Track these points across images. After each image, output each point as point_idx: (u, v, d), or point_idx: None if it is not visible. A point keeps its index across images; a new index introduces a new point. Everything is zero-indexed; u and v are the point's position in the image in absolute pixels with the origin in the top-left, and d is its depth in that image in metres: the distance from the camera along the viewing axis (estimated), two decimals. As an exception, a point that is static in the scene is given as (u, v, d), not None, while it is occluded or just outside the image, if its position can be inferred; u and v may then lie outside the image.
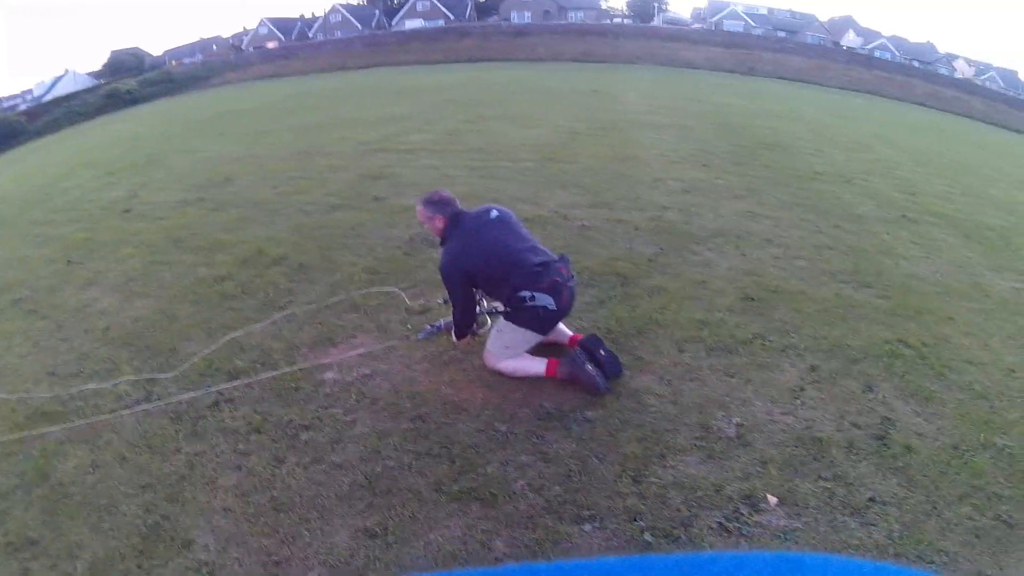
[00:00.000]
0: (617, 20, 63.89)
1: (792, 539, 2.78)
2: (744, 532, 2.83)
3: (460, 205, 4.08)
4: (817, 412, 3.65)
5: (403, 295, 5.32)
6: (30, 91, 57.93)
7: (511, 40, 48.13)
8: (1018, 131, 37.01)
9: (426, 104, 18.96)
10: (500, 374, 4.02)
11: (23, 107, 45.15)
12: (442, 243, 4.06)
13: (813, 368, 4.10)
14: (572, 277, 3.89)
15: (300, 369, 4.38)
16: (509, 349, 3.95)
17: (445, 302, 4.69)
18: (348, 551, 2.89)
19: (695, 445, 3.38)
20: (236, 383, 4.29)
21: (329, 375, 4.29)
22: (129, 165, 13.89)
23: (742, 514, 2.92)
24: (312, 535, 3.01)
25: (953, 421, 3.60)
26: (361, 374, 4.25)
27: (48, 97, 48.07)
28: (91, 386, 4.55)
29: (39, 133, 36.91)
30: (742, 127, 14.64)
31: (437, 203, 4.01)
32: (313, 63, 46.51)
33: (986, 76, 64.21)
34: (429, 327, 4.63)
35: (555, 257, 3.88)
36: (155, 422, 4.00)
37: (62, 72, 56.01)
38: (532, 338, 3.95)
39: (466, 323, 4.15)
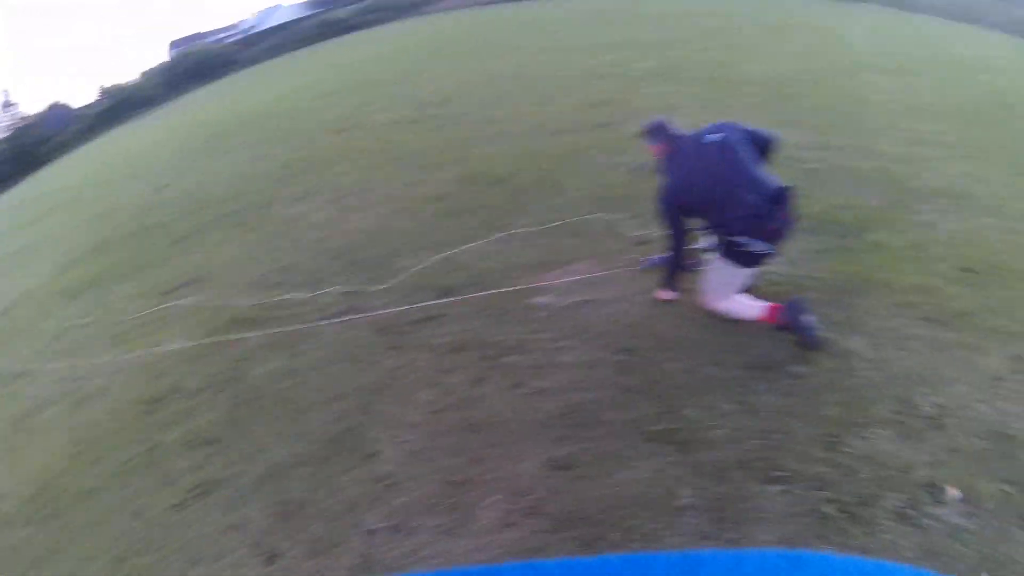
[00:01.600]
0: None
1: (963, 541, 2.59)
2: (920, 523, 2.67)
3: (677, 127, 3.91)
4: (1013, 406, 3.35)
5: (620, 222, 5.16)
6: (235, 26, 60.84)
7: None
8: None
9: (652, 29, 18.19)
10: (717, 314, 3.94)
11: (235, 38, 47.63)
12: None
13: (1019, 357, 3.73)
14: (792, 218, 3.66)
15: (515, 291, 4.45)
16: (727, 287, 3.80)
17: None
18: (531, 481, 2.96)
19: (893, 420, 3.21)
20: (446, 300, 4.45)
21: (542, 300, 4.32)
22: (345, 87, 14.57)
23: (923, 502, 2.76)
24: (498, 460, 3.10)
25: None
26: (575, 301, 4.25)
27: (260, 29, 50.48)
28: (295, 295, 4.88)
29: (253, 61, 39.65)
30: (971, 81, 13.31)
31: (650, 133, 3.87)
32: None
33: None
34: (657, 257, 4.46)
35: (779, 187, 3.56)
36: (358, 334, 4.22)
37: (273, 4, 58.06)
38: (749, 273, 3.82)
39: (677, 260, 3.90)
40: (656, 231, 4.83)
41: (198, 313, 5.09)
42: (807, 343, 3.65)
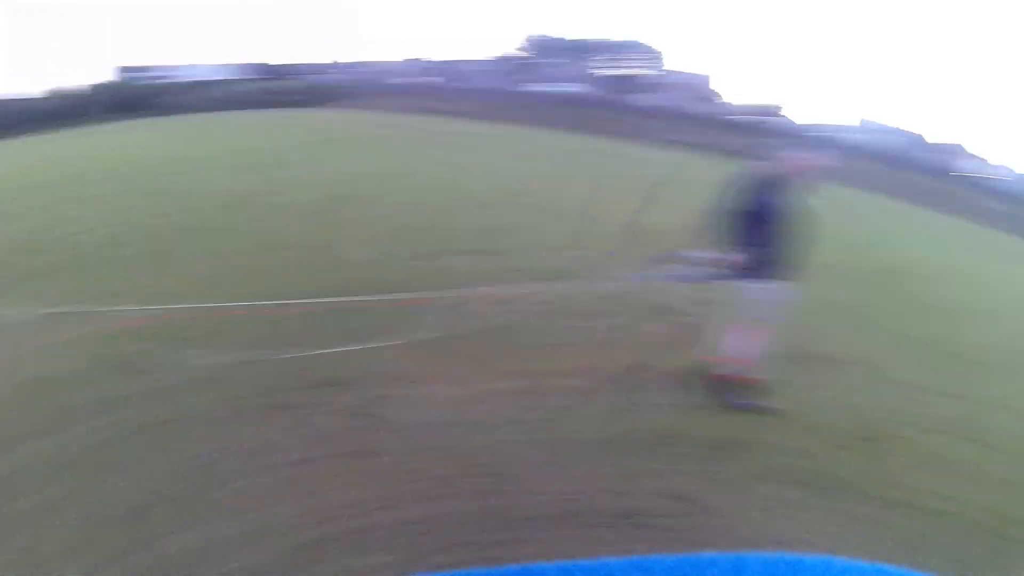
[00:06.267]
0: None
1: None
2: None
3: None
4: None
5: None
6: (181, 68, 59.50)
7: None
8: None
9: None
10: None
11: (168, 81, 46.95)
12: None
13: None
14: None
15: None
16: None
17: None
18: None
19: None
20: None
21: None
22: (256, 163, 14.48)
23: None
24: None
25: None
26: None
27: (187, 80, 49.95)
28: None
29: (175, 109, 37.62)
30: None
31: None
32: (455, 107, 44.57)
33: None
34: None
35: None
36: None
37: (208, 60, 57.12)
38: None
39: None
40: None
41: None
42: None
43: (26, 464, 3.71)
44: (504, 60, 61.06)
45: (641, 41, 75.45)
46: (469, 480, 3.68)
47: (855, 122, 66.15)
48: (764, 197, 4.41)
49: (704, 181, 5.04)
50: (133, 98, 39.37)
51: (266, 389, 4.68)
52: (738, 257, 4.48)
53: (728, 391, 4.73)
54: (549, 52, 66.16)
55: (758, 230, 4.39)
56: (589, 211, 11.00)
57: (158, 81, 46.13)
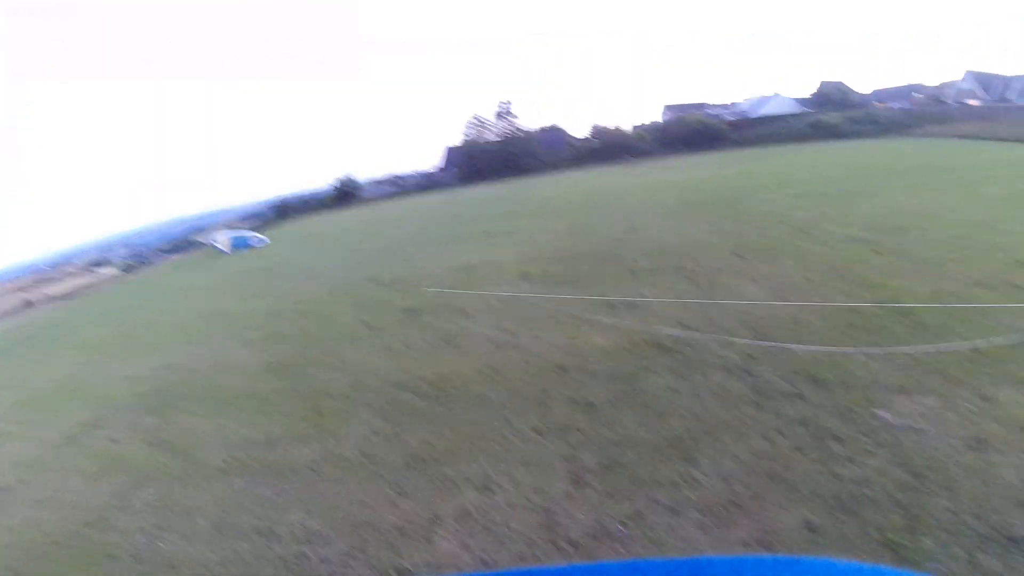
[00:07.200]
0: None
1: None
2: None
3: None
4: None
5: None
6: (737, 104, 63.18)
7: None
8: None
9: None
10: None
11: (728, 118, 50.03)
12: None
13: None
14: None
15: None
16: None
17: None
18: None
19: None
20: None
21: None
22: (817, 192, 15.47)
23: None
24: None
25: None
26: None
27: (752, 115, 52.67)
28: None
29: (740, 142, 42.19)
30: None
31: None
32: (1015, 129, 38.45)
33: None
34: None
35: None
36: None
37: (771, 94, 59.31)
38: None
39: None
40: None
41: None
42: None
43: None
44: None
45: None
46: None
47: None
48: None
49: None
50: (708, 133, 43.86)
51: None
52: None
53: None
54: None
55: None
56: None
57: (711, 118, 49.41)
